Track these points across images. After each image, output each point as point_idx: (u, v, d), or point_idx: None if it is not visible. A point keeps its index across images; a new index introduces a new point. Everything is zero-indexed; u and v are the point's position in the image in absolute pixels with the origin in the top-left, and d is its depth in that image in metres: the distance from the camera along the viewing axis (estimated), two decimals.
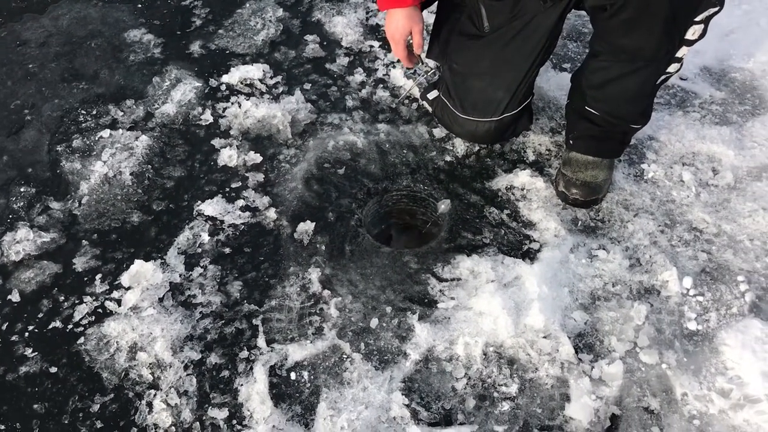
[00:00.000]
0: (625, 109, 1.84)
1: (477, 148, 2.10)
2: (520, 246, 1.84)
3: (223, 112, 2.23)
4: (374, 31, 2.55)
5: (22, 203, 1.97)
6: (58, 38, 2.52)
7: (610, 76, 1.77)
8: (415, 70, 2.33)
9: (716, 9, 1.66)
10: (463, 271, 1.78)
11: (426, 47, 2.03)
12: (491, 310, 1.67)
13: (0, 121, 2.21)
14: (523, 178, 1.99)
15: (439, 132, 2.16)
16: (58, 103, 2.27)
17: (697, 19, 1.65)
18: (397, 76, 2.35)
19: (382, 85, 2.33)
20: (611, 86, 1.79)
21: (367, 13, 2.62)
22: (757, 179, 1.96)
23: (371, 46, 2.48)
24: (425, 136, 2.16)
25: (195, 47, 2.48)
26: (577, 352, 1.61)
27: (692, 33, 1.68)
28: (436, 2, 2.00)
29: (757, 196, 1.92)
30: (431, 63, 2.10)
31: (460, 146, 2.11)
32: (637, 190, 1.96)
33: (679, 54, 1.73)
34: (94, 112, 2.24)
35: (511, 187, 1.99)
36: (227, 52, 2.46)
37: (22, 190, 2.01)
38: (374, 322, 1.69)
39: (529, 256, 1.81)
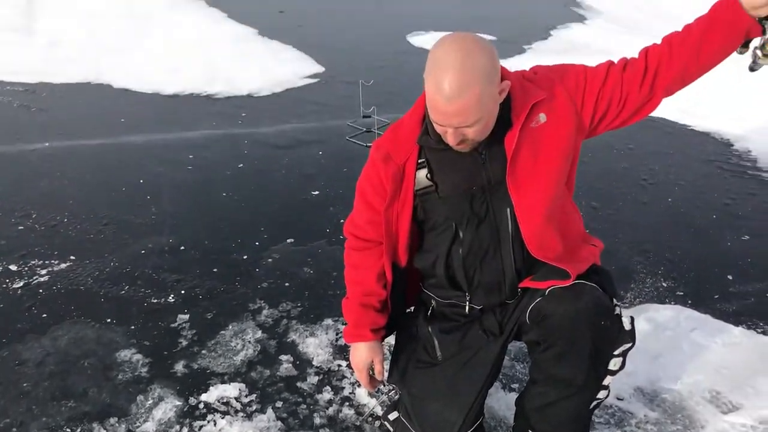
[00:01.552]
0: (565, 430, 2.05)
1: None
2: None
3: (199, 430, 2.40)
4: (343, 351, 2.83)
5: None
6: (54, 357, 2.77)
7: (547, 401, 2.02)
8: (379, 389, 2.56)
9: (629, 345, 1.99)
10: None
11: (387, 372, 2.29)
12: None
13: None
14: None
15: None
16: (45, 421, 2.44)
17: (616, 353, 1.97)
18: (362, 394, 2.57)
19: (347, 404, 2.54)
20: (549, 409, 2.02)
21: (337, 334, 2.94)
22: None
23: (339, 365, 2.74)
24: None
25: (179, 366, 2.72)
26: None
27: (613, 364, 1.98)
28: (395, 333, 2.32)
29: None
30: (390, 386, 2.34)
31: None
32: None
33: (605, 382, 2.00)
34: (79, 430, 2.39)
35: None
36: (208, 371, 2.71)
37: None
38: None
39: None
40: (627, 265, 3.44)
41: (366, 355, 2.20)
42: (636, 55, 1.94)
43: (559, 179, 1.95)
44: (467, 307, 2.13)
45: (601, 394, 2.03)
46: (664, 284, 3.29)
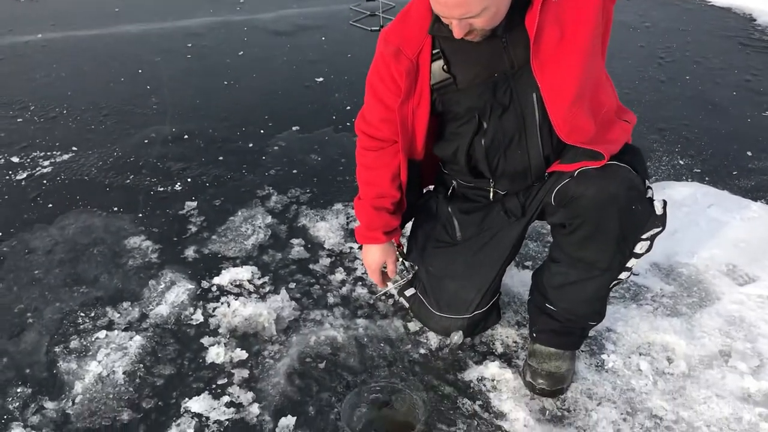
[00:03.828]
0: (582, 308, 2.02)
1: (449, 341, 2.25)
2: None
3: (213, 311, 2.40)
4: (354, 234, 2.79)
5: (17, 403, 2.06)
6: (63, 246, 2.75)
7: (568, 280, 1.97)
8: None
9: (659, 229, 1.89)
10: None
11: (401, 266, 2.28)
12: None
13: (3, 325, 2.36)
14: (492, 369, 2.13)
15: (413, 326, 2.32)
16: (59, 306, 2.44)
17: (644, 236, 1.89)
18: None
19: (360, 283, 2.53)
20: (569, 288, 1.98)
21: (347, 218, 2.89)
22: (708, 367, 2.11)
23: (351, 248, 2.72)
24: (401, 330, 2.32)
25: (190, 252, 2.70)
26: None
27: (640, 248, 1.90)
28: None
29: (710, 383, 2.05)
30: (407, 263, 2.32)
31: (433, 339, 2.27)
32: (599, 379, 2.10)
33: (629, 264, 1.94)
34: (93, 315, 2.40)
35: (482, 378, 2.12)
36: (219, 255, 2.69)
37: (18, 390, 2.11)
38: None
39: None
40: (643, 143, 3.34)
41: (379, 256, 2.17)
42: None
43: (589, 54, 1.78)
44: (491, 193, 2.06)
45: (623, 275, 1.97)
46: (681, 162, 3.21)
